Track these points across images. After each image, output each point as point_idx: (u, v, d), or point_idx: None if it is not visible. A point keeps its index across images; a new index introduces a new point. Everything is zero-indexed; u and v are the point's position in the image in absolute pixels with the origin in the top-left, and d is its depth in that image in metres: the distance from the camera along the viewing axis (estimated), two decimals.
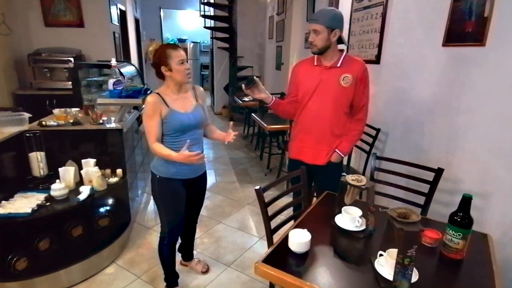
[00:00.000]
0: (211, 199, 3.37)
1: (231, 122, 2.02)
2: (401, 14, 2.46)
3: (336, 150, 1.99)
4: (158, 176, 1.86)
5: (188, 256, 2.32)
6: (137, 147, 3.22)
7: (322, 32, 1.81)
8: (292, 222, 1.70)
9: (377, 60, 2.74)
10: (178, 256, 2.22)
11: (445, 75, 2.04)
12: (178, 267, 2.16)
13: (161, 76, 1.78)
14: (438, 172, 1.85)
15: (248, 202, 3.32)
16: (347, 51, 3.22)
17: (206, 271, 2.27)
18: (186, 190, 1.92)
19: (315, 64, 1.95)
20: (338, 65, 1.89)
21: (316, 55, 1.94)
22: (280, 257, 1.29)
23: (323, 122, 1.96)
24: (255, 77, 1.91)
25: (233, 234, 2.76)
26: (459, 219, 1.26)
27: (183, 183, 1.88)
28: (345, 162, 3.07)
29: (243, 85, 1.91)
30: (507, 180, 1.66)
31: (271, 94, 2.18)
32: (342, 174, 1.51)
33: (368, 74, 1.93)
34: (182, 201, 1.91)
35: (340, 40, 1.89)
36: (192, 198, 2.01)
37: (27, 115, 2.37)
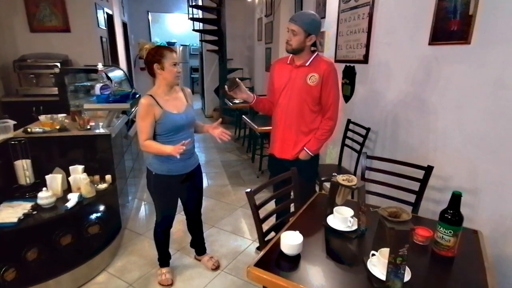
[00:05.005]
0: (204, 202, 3.33)
1: (219, 119, 2.11)
2: (387, 14, 2.48)
3: (304, 148, 2.07)
4: (154, 173, 1.95)
5: (200, 250, 2.41)
6: (126, 153, 3.18)
7: (299, 34, 1.90)
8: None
9: (365, 60, 2.75)
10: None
11: (432, 73, 2.06)
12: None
13: (152, 73, 1.85)
14: (428, 169, 1.87)
15: (240, 205, 3.30)
16: (335, 52, 3.24)
17: (216, 268, 2.32)
18: (182, 185, 2.03)
19: (288, 62, 2.06)
20: (307, 64, 1.98)
21: (291, 55, 2.04)
22: (273, 260, 1.28)
23: (289, 118, 2.06)
24: (237, 79, 2.00)
25: (226, 238, 2.73)
26: (449, 217, 1.27)
27: (177, 179, 1.98)
28: (336, 162, 3.09)
29: (226, 87, 2.00)
30: (495, 176, 1.68)
31: (261, 95, 2.23)
32: (334, 174, 1.51)
33: (335, 74, 2.00)
34: (175, 196, 2.09)
35: (314, 44, 1.98)
36: (188, 192, 2.14)
37: (11, 122, 2.32)
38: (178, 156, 1.70)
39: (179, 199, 2.15)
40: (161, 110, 1.82)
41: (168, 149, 1.75)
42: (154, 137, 1.88)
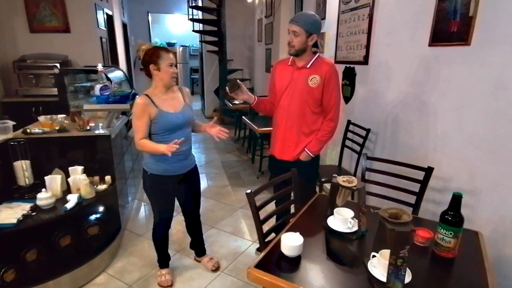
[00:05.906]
0: (203, 203, 3.31)
1: (215, 117, 2.11)
2: (387, 15, 2.48)
3: (305, 149, 2.07)
4: (149, 173, 1.96)
5: (199, 252, 2.41)
6: (126, 153, 3.17)
7: (301, 35, 1.90)
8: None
9: (365, 61, 2.75)
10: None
11: (432, 74, 2.06)
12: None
13: (149, 74, 1.87)
14: (428, 170, 1.86)
15: (240, 205, 3.30)
16: (335, 53, 3.24)
17: (215, 269, 2.32)
18: (178, 186, 2.03)
19: (289, 64, 2.06)
20: (308, 66, 1.98)
21: (292, 56, 2.03)
22: (273, 261, 1.28)
23: (291, 119, 2.06)
24: (238, 80, 2.00)
25: (226, 239, 2.73)
26: (450, 218, 1.26)
27: (173, 179, 1.98)
28: (336, 163, 3.08)
29: (227, 88, 2.00)
30: (495, 176, 1.68)
31: (261, 96, 2.22)
32: (334, 175, 1.51)
33: (337, 76, 2.00)
34: (171, 196, 2.08)
35: (315, 44, 1.98)
36: (186, 193, 2.13)
37: (11, 123, 2.32)
38: (170, 154, 1.69)
39: (176, 200, 2.14)
40: (156, 110, 1.82)
41: (161, 147, 1.74)
42: (150, 137, 1.88)
